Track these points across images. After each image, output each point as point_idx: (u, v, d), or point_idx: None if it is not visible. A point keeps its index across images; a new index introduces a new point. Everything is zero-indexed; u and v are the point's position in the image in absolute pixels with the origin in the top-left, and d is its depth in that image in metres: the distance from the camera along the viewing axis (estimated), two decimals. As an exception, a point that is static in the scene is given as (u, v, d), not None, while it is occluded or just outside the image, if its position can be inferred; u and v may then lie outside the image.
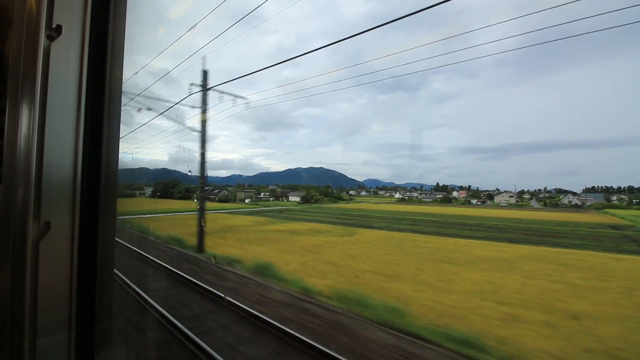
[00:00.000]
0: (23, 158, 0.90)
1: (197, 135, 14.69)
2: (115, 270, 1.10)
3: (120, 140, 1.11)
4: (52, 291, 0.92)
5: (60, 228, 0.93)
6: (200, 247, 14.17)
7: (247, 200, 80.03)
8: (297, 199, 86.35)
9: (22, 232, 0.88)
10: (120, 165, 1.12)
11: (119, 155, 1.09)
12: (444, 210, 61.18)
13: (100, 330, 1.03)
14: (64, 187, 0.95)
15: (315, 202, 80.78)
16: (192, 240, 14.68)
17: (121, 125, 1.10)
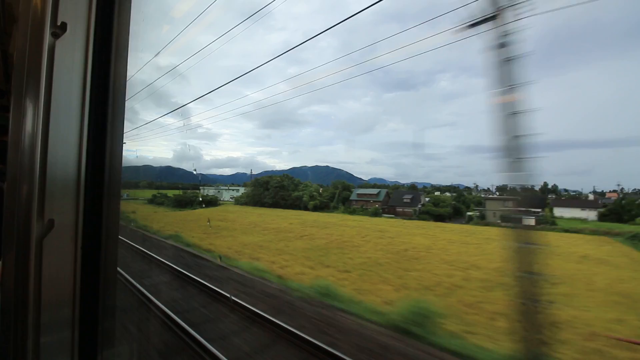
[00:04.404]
0: (27, 155, 0.90)
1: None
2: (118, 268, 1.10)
3: (124, 137, 1.10)
4: (56, 289, 0.92)
5: (64, 226, 0.93)
6: None
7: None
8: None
9: (26, 230, 0.88)
10: (126, 163, 1.12)
11: (123, 153, 1.08)
12: None
13: (104, 329, 1.03)
14: (68, 185, 0.95)
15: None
16: None
17: (125, 122, 1.10)
